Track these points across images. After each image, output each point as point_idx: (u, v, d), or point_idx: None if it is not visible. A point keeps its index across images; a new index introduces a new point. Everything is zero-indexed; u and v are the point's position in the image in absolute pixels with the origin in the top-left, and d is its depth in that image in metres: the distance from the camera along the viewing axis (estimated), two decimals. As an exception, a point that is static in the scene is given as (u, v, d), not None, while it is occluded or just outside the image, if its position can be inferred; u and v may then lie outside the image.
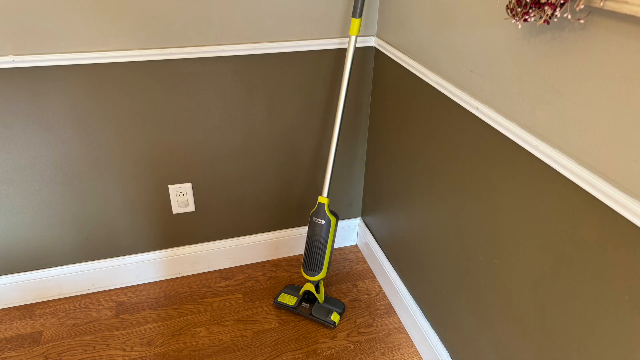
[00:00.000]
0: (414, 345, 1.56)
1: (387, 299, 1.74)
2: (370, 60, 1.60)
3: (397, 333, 1.60)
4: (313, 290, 1.63)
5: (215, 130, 1.58)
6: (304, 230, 1.90)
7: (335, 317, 1.62)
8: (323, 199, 1.54)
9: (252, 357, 1.52)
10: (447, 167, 1.25)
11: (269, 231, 1.86)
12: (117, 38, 1.34)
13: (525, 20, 0.81)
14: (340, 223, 1.93)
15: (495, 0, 0.97)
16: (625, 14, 0.69)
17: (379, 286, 1.79)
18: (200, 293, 1.75)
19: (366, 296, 1.75)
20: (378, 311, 1.69)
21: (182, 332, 1.60)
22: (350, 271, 1.87)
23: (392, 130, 1.54)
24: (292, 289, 1.73)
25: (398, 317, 1.66)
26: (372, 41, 1.57)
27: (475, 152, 1.11)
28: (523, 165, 0.96)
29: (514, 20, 0.84)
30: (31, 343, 1.55)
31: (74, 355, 1.51)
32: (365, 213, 1.92)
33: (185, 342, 1.56)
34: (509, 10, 0.84)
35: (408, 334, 1.60)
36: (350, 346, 1.56)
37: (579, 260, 0.86)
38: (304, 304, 1.67)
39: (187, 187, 1.65)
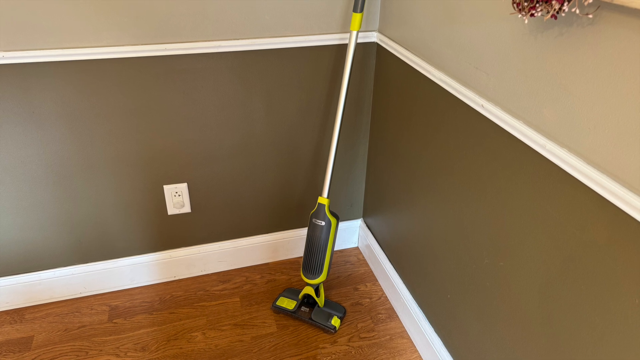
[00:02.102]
0: (417, 351, 1.54)
1: (390, 302, 1.72)
2: (372, 57, 1.59)
3: (399, 338, 1.58)
4: (313, 293, 1.61)
5: (212, 129, 1.56)
6: (303, 231, 1.88)
7: (335, 321, 1.60)
8: (323, 199, 1.53)
9: (249, 362, 1.50)
10: (451, 167, 1.24)
11: (267, 233, 1.85)
12: (111, 33, 1.33)
13: (532, 15, 0.82)
14: (341, 224, 1.91)
15: (501, -6, 0.96)
16: (635, 9, 0.69)
17: (381, 290, 1.77)
18: (197, 297, 1.73)
19: (368, 300, 1.73)
20: (380, 315, 1.67)
21: (177, 337, 1.58)
22: (351, 274, 1.85)
23: (395, 129, 1.53)
24: (291, 292, 1.71)
25: (400, 322, 1.64)
26: (373, 37, 1.55)
27: (480, 151, 1.11)
28: (529, 165, 0.96)
29: (520, 15, 0.86)
30: (22, 348, 1.52)
31: (67, 360, 1.49)
32: (366, 214, 1.90)
33: (181, 348, 1.54)
34: (515, 5, 0.85)
35: (411, 339, 1.58)
36: (351, 352, 1.53)
37: (587, 263, 0.86)
38: (303, 308, 1.65)
39: (182, 187, 1.62)
